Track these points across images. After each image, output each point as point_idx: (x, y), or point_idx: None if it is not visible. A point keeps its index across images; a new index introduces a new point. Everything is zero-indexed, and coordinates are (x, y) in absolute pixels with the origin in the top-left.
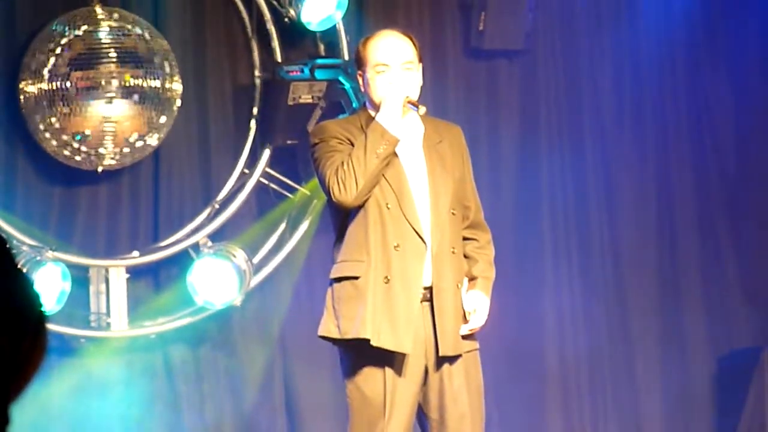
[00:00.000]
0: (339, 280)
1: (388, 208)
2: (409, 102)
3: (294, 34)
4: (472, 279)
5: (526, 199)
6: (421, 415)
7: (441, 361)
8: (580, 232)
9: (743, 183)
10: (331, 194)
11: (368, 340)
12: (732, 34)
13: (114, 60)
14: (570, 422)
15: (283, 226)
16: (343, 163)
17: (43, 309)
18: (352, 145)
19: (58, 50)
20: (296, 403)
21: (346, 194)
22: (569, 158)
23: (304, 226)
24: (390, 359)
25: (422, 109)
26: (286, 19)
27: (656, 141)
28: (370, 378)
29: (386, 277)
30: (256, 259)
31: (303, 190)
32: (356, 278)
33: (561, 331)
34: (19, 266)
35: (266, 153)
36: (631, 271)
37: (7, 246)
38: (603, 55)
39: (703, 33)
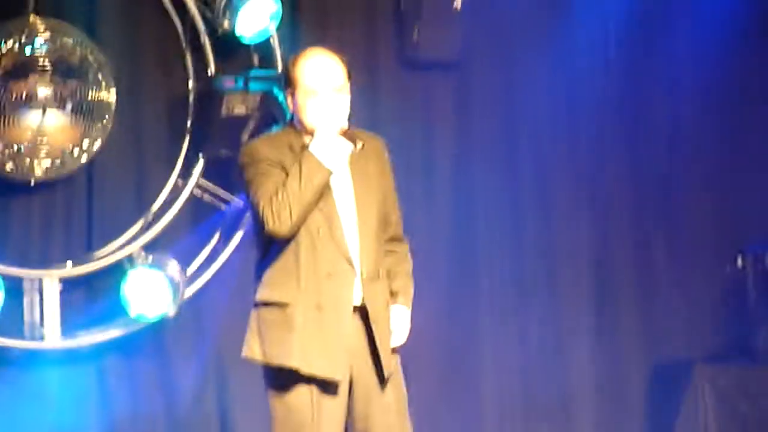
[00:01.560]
0: (266, 304)
1: (319, 235)
2: (345, 135)
3: (228, 46)
4: (392, 294)
5: (461, 211)
6: (347, 426)
7: (373, 376)
8: (515, 242)
9: (678, 193)
10: (265, 225)
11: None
12: (665, 34)
13: (48, 71)
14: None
15: (216, 237)
16: (277, 192)
17: None
18: (284, 168)
19: None
20: (230, 414)
21: (280, 226)
22: (504, 169)
23: (237, 237)
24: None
25: (359, 145)
26: (220, 31)
27: (590, 150)
28: (296, 393)
29: (318, 304)
30: (189, 271)
31: (236, 201)
32: (285, 304)
33: (494, 339)
34: None
35: (200, 164)
36: (565, 280)
37: None
38: (536, 66)
39: (637, 34)
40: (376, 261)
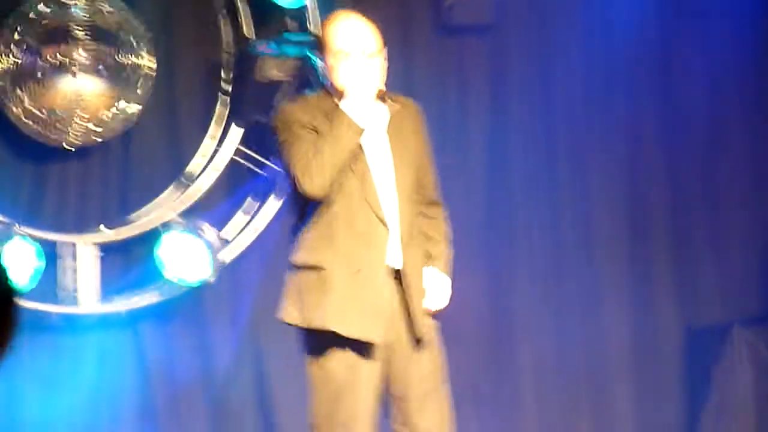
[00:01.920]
0: (302, 267)
1: (354, 197)
2: (380, 95)
3: (264, 10)
4: (430, 258)
5: (496, 175)
6: (385, 393)
7: (409, 339)
8: (551, 209)
9: (716, 159)
10: (298, 186)
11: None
12: (707, 12)
13: (84, 36)
14: (541, 397)
15: (253, 201)
16: (309, 153)
17: (11, 283)
18: (316, 131)
19: (29, 26)
20: (268, 381)
21: (313, 186)
22: (539, 133)
23: (274, 202)
24: (353, 340)
25: (394, 106)
26: None
27: (628, 116)
28: (333, 358)
29: (353, 266)
30: (227, 236)
31: (273, 166)
32: (320, 267)
33: (530, 305)
34: None
35: (236, 129)
36: (602, 247)
37: None
38: (573, 30)
39: (677, 7)
40: (412, 223)
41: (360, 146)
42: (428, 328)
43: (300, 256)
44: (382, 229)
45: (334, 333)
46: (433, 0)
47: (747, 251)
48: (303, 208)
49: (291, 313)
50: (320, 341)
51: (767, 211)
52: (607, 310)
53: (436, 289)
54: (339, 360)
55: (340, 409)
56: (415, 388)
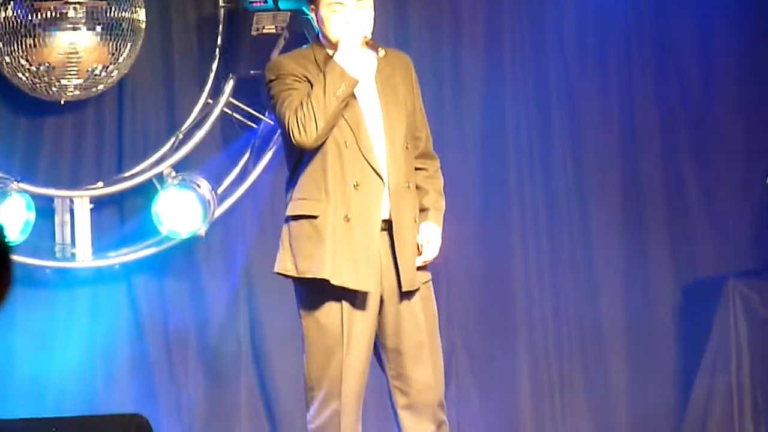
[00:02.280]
0: (296, 218)
1: (347, 147)
2: (367, 43)
3: None
4: (423, 210)
5: (491, 129)
6: (377, 344)
7: (399, 292)
8: (544, 162)
9: (707, 112)
10: (291, 136)
11: (327, 280)
12: None
13: None
14: (534, 352)
15: (246, 156)
16: (302, 104)
17: (7, 240)
18: (309, 82)
19: None
20: (261, 332)
21: (306, 136)
22: (533, 88)
23: (267, 156)
24: (347, 292)
25: (381, 52)
26: None
27: (620, 73)
28: (327, 310)
29: (346, 216)
30: (220, 189)
31: (267, 120)
32: (314, 217)
33: (525, 257)
34: None
35: (230, 83)
36: (595, 201)
37: None
38: None
39: None
40: (406, 173)
41: (354, 96)
42: (421, 279)
43: (293, 207)
44: (375, 179)
45: (327, 283)
46: None
47: (739, 205)
48: (297, 160)
49: (285, 264)
50: (314, 292)
51: (759, 165)
52: (602, 267)
53: (426, 240)
54: (332, 311)
55: (333, 360)
56: (407, 340)
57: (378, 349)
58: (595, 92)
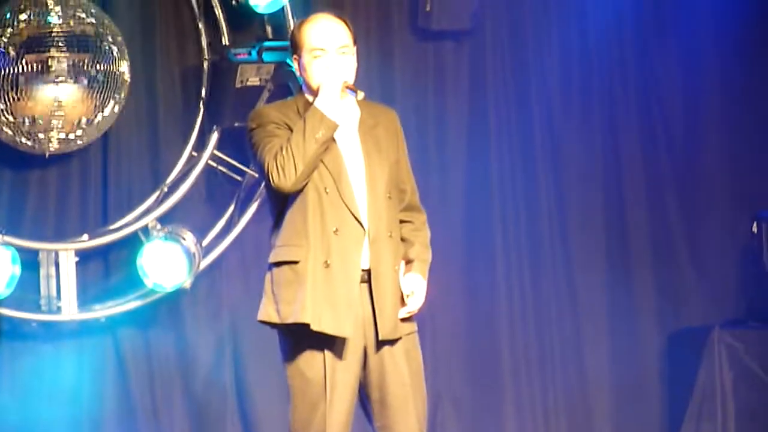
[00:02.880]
0: (278, 264)
1: (327, 193)
2: (347, 87)
3: (241, 16)
4: (408, 262)
5: (475, 180)
6: (363, 396)
7: (381, 343)
8: (529, 211)
9: (692, 159)
10: (270, 180)
11: (308, 325)
12: (680, 10)
13: (63, 44)
14: (520, 399)
15: (231, 208)
16: (282, 148)
17: None
18: (290, 130)
19: (7, 35)
20: (246, 385)
21: (285, 180)
22: (517, 136)
23: (252, 208)
24: (329, 341)
25: (360, 95)
26: (234, 2)
27: (604, 119)
28: (310, 360)
29: (326, 262)
30: (205, 242)
31: (251, 172)
32: (295, 263)
33: (510, 308)
34: None
35: (215, 136)
36: (580, 248)
37: None
38: (550, 35)
39: (651, 8)
40: (387, 222)
41: (335, 142)
42: (404, 332)
43: (275, 254)
44: (357, 227)
45: (309, 333)
46: (412, 6)
47: (725, 256)
48: (280, 209)
49: (268, 310)
50: (297, 342)
51: (745, 213)
52: (587, 316)
53: (411, 291)
54: (315, 361)
55: (317, 411)
56: (392, 392)
57: (363, 400)
58: (579, 142)
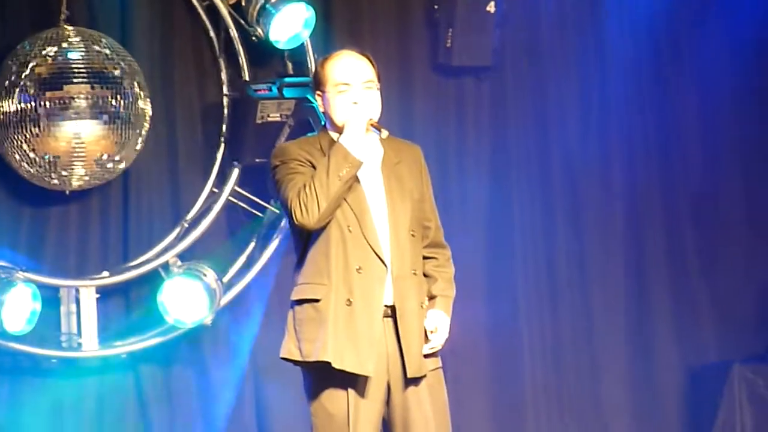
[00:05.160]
0: (300, 302)
1: (350, 231)
2: (372, 125)
3: (262, 52)
4: (431, 298)
5: (495, 215)
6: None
7: (405, 379)
8: (549, 248)
9: (710, 196)
10: (293, 217)
11: (330, 363)
12: (697, 45)
13: (83, 80)
14: None
15: (252, 244)
16: (305, 185)
17: None
18: (314, 167)
19: (27, 71)
20: (267, 422)
21: (308, 217)
22: (536, 173)
23: (273, 245)
24: (352, 379)
25: (384, 133)
26: (254, 38)
27: (623, 157)
28: (333, 397)
29: (348, 300)
30: (226, 278)
31: (272, 209)
32: (317, 301)
33: (531, 345)
34: None
35: (235, 172)
36: (599, 286)
37: None
38: (569, 71)
39: (667, 44)
40: (411, 260)
41: (358, 180)
42: (428, 368)
43: (298, 292)
44: (378, 264)
45: (332, 369)
46: (432, 42)
47: (744, 290)
48: (304, 246)
49: (290, 347)
50: (320, 379)
51: (763, 248)
52: (607, 352)
53: (434, 327)
54: (339, 399)
55: None
56: (416, 429)
57: None
58: (597, 178)
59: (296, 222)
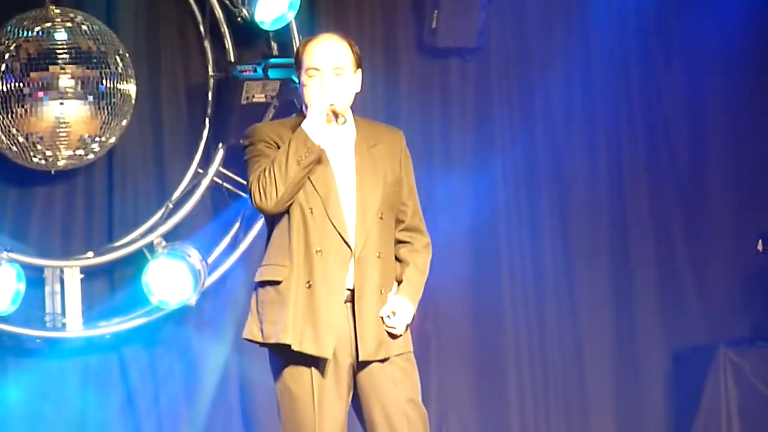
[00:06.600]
0: (263, 284)
1: (312, 213)
2: (332, 111)
3: (247, 33)
4: (399, 282)
5: (480, 196)
6: (357, 416)
7: (367, 362)
8: (533, 229)
9: (696, 178)
10: (252, 201)
11: (289, 345)
12: (684, 31)
13: (68, 61)
14: (525, 418)
15: (237, 225)
16: (265, 169)
17: None
18: (280, 148)
19: (13, 51)
20: (252, 402)
21: (266, 201)
22: (522, 156)
23: (257, 226)
24: (316, 360)
25: (341, 120)
26: (240, 19)
27: (608, 139)
28: (298, 378)
29: (308, 282)
30: (210, 259)
31: None
32: (278, 283)
33: (515, 328)
34: None
35: (220, 152)
36: (584, 267)
37: None
38: (554, 53)
39: (654, 29)
40: (378, 243)
41: (326, 163)
42: (394, 351)
43: (261, 273)
44: (343, 248)
45: (294, 352)
46: (418, 23)
47: (730, 274)
48: (270, 228)
49: (252, 329)
50: (284, 360)
51: (749, 231)
52: (592, 335)
53: (391, 311)
54: (303, 380)
55: (305, 428)
56: (385, 412)
57: (359, 420)
58: (583, 161)
59: (254, 206)
